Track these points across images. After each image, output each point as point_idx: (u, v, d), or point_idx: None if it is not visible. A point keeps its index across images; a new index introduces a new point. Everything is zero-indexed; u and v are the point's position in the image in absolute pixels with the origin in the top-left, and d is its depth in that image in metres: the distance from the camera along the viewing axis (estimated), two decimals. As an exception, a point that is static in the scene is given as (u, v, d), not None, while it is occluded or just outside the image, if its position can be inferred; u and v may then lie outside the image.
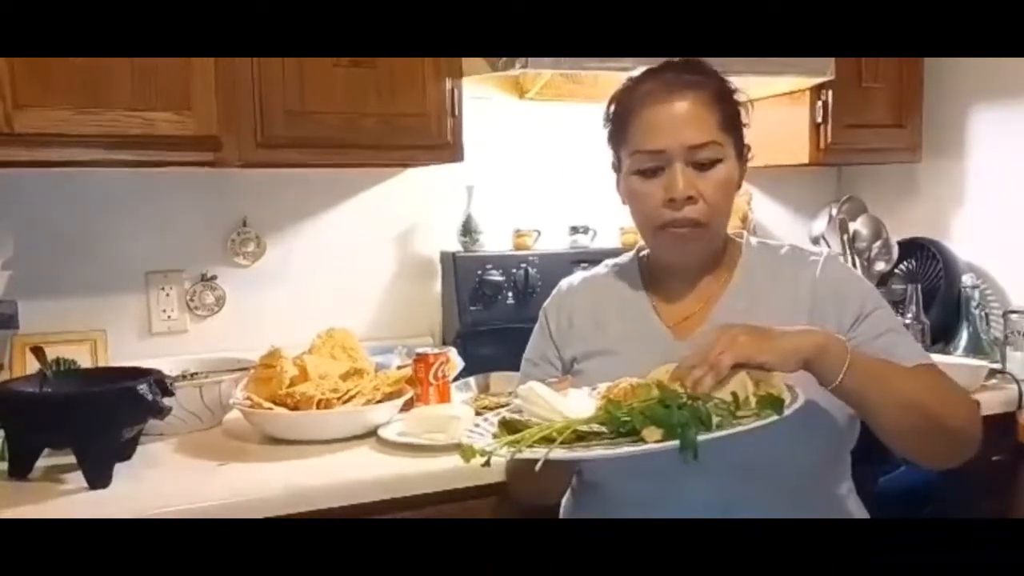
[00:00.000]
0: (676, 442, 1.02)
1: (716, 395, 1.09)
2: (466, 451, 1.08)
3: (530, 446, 1.06)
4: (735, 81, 1.30)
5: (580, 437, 1.07)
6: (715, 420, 1.06)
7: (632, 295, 1.36)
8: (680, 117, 1.22)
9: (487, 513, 1.54)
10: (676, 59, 1.29)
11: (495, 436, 1.14)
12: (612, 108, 1.31)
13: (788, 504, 1.20)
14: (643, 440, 1.04)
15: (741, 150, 1.29)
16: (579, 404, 1.14)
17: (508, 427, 1.14)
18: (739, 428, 1.06)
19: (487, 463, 1.07)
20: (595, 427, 1.07)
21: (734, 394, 1.08)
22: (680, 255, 1.30)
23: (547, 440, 1.06)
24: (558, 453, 1.05)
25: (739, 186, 1.29)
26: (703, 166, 1.23)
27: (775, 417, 1.07)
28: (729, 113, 1.26)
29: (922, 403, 1.15)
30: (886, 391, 1.13)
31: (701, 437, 1.02)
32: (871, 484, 1.59)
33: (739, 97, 1.29)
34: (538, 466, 1.04)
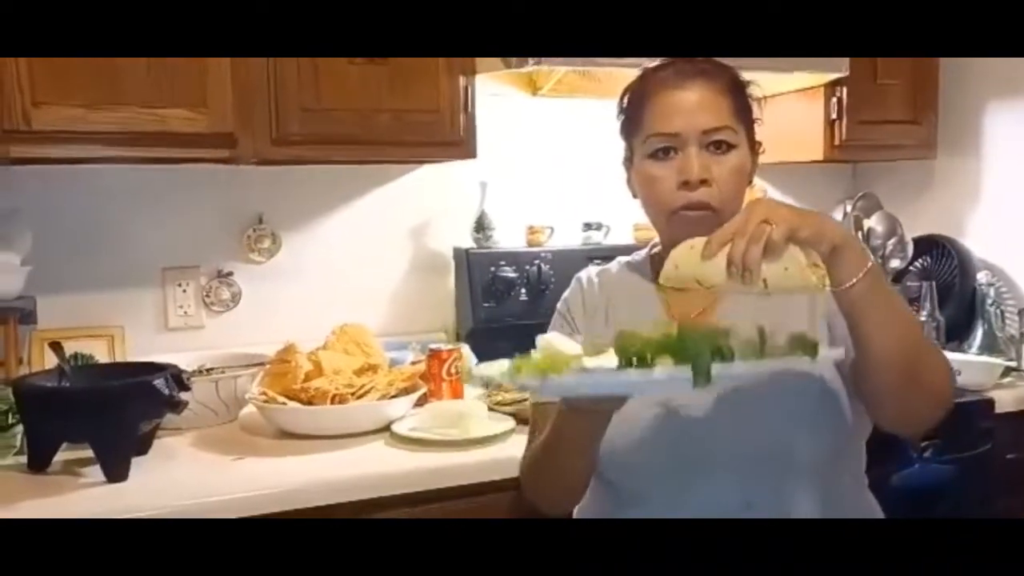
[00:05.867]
0: (687, 368, 0.93)
1: (767, 270, 0.99)
2: (466, 373, 1.01)
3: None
4: (749, 76, 1.30)
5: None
6: (738, 356, 0.97)
7: (643, 292, 1.36)
8: (695, 102, 1.23)
9: (501, 508, 1.55)
10: None
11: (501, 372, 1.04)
12: (626, 98, 1.31)
13: (806, 500, 1.20)
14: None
15: (753, 142, 1.29)
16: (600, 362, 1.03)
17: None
18: (766, 365, 0.97)
19: (486, 385, 0.99)
20: (604, 363, 0.98)
21: (760, 331, 1.00)
22: None
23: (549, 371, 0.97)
24: (555, 380, 0.97)
25: (751, 180, 1.29)
26: (717, 151, 1.23)
27: (808, 359, 0.98)
28: (742, 103, 1.27)
29: (914, 340, 1.12)
30: (889, 312, 1.08)
31: (717, 365, 0.93)
32: (886, 481, 1.59)
33: (752, 91, 1.30)
34: (532, 398, 0.94)
